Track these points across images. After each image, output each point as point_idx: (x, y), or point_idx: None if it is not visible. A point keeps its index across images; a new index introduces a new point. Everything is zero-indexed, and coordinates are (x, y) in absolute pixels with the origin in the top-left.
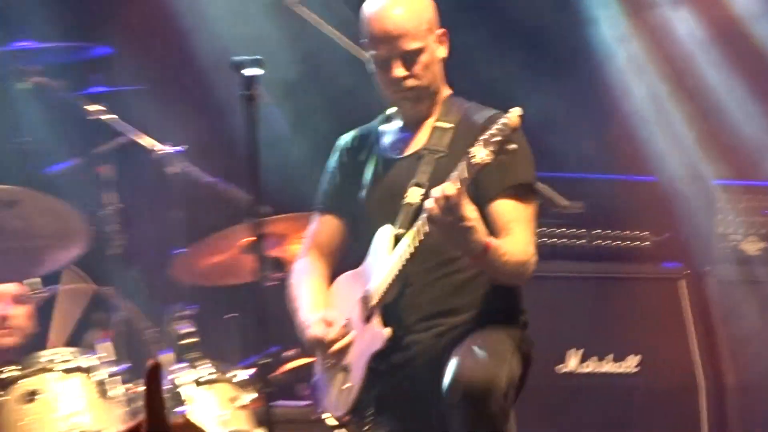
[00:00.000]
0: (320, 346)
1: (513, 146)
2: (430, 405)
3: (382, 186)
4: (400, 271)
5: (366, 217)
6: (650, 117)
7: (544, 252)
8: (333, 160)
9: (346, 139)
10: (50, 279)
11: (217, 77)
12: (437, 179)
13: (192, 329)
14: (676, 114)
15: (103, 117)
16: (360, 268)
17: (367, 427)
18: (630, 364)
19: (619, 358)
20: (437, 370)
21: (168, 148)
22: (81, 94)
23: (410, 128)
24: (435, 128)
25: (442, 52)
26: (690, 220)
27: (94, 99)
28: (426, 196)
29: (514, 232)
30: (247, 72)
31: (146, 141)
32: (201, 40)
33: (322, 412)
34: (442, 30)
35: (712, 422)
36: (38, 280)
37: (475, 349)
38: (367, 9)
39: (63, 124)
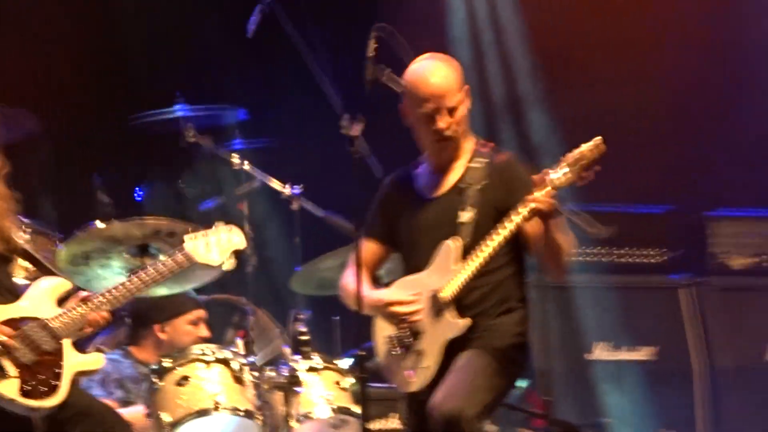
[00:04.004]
0: (394, 316)
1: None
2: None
3: (427, 219)
4: (477, 270)
5: (410, 242)
6: None
7: (578, 267)
8: (378, 196)
9: (388, 180)
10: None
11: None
12: (484, 202)
13: (305, 329)
14: None
15: (241, 166)
16: (415, 276)
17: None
18: (644, 353)
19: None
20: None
21: (289, 189)
22: (225, 149)
23: (439, 172)
24: (469, 168)
25: (468, 104)
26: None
27: (235, 152)
28: (478, 215)
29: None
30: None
31: (274, 184)
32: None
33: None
34: (466, 86)
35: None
36: None
37: (457, 377)
38: (411, 75)
39: (212, 172)
